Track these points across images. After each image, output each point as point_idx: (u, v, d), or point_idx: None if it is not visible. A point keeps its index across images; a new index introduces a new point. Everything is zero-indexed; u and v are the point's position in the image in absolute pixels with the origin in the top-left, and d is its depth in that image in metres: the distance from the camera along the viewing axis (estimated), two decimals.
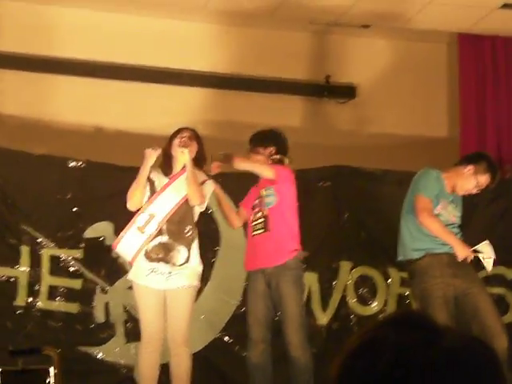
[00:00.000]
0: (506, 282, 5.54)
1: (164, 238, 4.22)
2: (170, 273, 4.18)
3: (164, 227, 4.22)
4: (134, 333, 4.97)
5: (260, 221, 4.44)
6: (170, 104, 5.88)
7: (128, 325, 5.03)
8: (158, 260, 4.19)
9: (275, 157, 4.55)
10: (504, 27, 6.00)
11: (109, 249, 4.98)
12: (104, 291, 5.04)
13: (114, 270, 5.04)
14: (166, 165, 4.34)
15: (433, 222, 4.43)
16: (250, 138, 4.63)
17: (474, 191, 4.57)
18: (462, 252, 4.40)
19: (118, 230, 4.91)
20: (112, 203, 5.09)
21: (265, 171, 4.42)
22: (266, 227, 4.41)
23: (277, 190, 4.45)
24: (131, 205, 4.30)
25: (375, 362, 0.93)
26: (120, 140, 5.76)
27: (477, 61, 6.15)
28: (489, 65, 6.16)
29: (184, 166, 4.27)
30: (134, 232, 4.24)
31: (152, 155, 4.25)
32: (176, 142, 4.28)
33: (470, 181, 4.52)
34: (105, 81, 5.83)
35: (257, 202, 4.50)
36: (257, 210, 4.47)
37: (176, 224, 4.23)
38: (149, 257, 4.21)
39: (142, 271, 4.20)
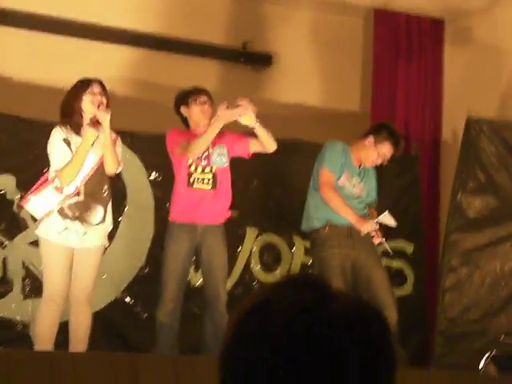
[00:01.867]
0: (405, 256, 5.71)
1: (81, 197, 4.12)
2: (85, 233, 4.10)
3: (82, 187, 4.13)
4: (31, 289, 4.88)
5: (208, 176, 4.37)
6: (87, 59, 5.71)
7: (26, 281, 4.92)
8: (74, 218, 4.10)
9: None
10: (419, 6, 6.11)
11: (10, 203, 4.85)
12: (2, 246, 4.91)
13: (15, 224, 4.91)
14: (72, 121, 4.14)
15: (333, 197, 4.50)
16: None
17: (379, 161, 4.65)
18: (363, 226, 4.49)
19: (20, 184, 4.79)
20: (15, 156, 4.95)
21: (273, 142, 4.41)
22: (214, 185, 4.37)
23: (229, 153, 4.43)
24: None
25: (268, 322, 0.93)
26: (26, 92, 5.57)
27: (391, 37, 6.23)
28: (402, 42, 6.25)
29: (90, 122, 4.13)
30: (50, 191, 4.12)
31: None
32: (88, 98, 4.11)
33: (372, 151, 4.59)
34: (13, 29, 5.61)
35: (203, 155, 4.39)
36: (205, 163, 4.38)
37: (94, 184, 4.15)
38: (63, 214, 4.10)
39: (55, 228, 4.08)
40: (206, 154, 4.39)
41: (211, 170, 4.38)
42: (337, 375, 0.91)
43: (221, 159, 4.40)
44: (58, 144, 4.12)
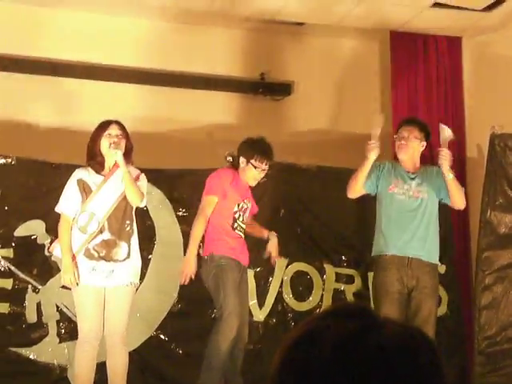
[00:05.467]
0: (438, 277, 5.64)
1: (106, 235, 4.17)
2: (112, 271, 4.14)
3: (105, 224, 4.19)
4: (67, 332, 4.90)
5: (243, 226, 4.62)
6: (103, 100, 5.80)
7: (61, 325, 4.94)
8: (99, 259, 4.14)
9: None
10: (435, 25, 6.11)
11: (41, 247, 4.89)
12: (36, 291, 4.94)
13: (46, 268, 4.95)
14: (95, 162, 4.29)
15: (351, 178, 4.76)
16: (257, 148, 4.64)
17: (400, 143, 4.80)
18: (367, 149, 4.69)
19: (49, 229, 4.83)
20: (43, 201, 5.00)
21: None
22: (244, 235, 4.64)
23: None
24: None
25: (314, 353, 0.93)
26: (52, 137, 5.64)
27: (409, 59, 6.23)
28: (420, 62, 6.25)
29: (116, 163, 4.23)
30: (75, 233, 4.18)
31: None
32: (105, 142, 4.24)
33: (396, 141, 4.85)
34: (36, 76, 5.71)
35: (243, 205, 4.63)
36: (243, 214, 4.64)
37: (117, 220, 4.21)
38: (89, 255, 4.15)
39: (82, 270, 4.15)
40: (244, 205, 4.62)
41: (243, 222, 4.63)
42: None
43: (247, 214, 4.68)
44: (68, 184, 4.28)
